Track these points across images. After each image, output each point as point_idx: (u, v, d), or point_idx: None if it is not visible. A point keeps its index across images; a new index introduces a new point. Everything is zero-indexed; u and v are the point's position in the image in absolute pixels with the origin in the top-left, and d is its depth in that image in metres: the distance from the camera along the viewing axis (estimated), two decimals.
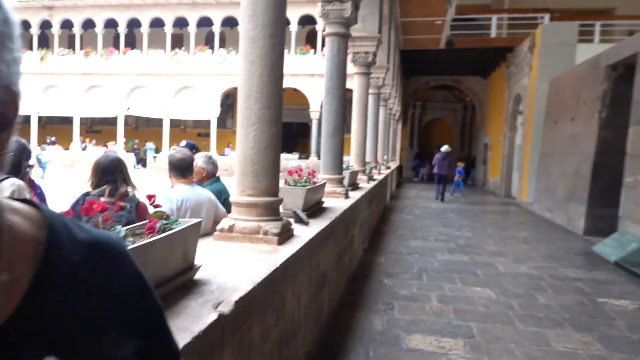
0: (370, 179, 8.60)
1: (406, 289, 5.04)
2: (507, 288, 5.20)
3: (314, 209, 3.99)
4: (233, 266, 2.14)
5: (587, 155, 9.18)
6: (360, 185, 7.23)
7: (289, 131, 26.98)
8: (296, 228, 3.09)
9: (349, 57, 6.37)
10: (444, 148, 14.90)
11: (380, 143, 14.64)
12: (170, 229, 1.69)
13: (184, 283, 1.76)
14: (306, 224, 3.38)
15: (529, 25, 15.04)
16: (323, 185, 4.51)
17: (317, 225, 3.42)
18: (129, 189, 2.64)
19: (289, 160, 21.71)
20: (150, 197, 1.81)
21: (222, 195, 3.49)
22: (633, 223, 7.03)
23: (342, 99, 5.40)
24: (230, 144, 22.98)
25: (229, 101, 23.76)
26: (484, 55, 18.05)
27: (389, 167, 14.70)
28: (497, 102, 19.27)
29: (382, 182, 10.49)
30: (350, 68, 6.58)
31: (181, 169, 2.88)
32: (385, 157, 14.34)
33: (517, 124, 16.13)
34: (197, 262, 1.88)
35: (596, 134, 8.87)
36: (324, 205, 4.43)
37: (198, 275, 1.88)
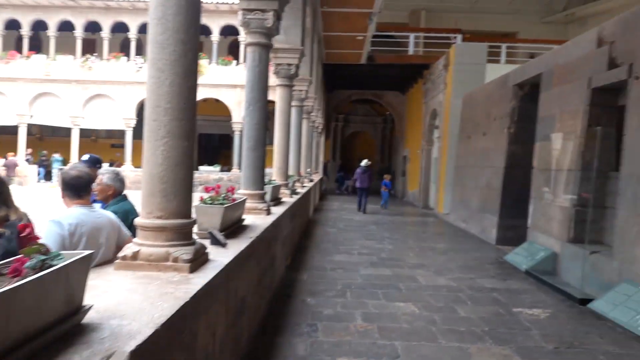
0: (293, 192, 8.44)
1: (330, 307, 4.90)
2: (429, 302, 5.24)
3: (233, 228, 3.74)
4: (134, 303, 1.85)
5: (497, 168, 9.70)
6: (283, 199, 7.04)
7: (211, 143, 26.26)
8: (212, 251, 2.83)
9: (271, 69, 6.21)
10: (364, 162, 15.39)
11: (303, 156, 14.62)
12: (49, 267, 1.40)
13: (67, 331, 1.46)
14: (223, 245, 3.12)
15: (443, 45, 15.84)
16: (243, 202, 4.26)
17: (236, 246, 3.18)
18: (10, 213, 2.24)
19: (210, 173, 21.10)
20: (23, 227, 1.49)
21: (130, 217, 3.12)
22: (540, 233, 7.45)
23: (264, 111, 5.20)
24: None
25: None
26: (402, 71, 18.72)
27: (312, 180, 14.67)
28: (415, 116, 20.03)
29: (305, 196, 10.38)
30: (273, 80, 6.41)
31: (76, 188, 2.52)
32: (309, 169, 14.29)
33: (434, 138, 16.82)
34: (86, 302, 1.59)
35: (506, 149, 9.39)
36: (245, 223, 4.19)
37: (87, 319, 1.58)
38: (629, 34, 5.85)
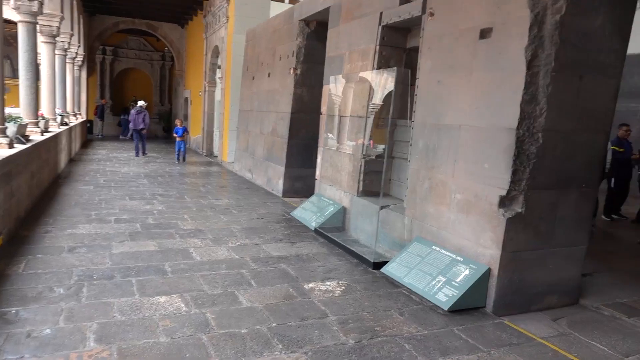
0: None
1: (48, 323, 3.20)
2: (203, 289, 3.97)
3: None
4: None
5: (284, 113, 8.81)
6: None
7: None
8: None
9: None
10: (140, 103, 14.44)
11: (58, 93, 11.62)
12: None
13: None
14: None
15: None
16: None
17: None
18: None
19: None
20: None
21: None
22: (328, 185, 6.84)
23: None
24: None
25: None
26: None
27: (65, 123, 11.74)
28: (196, 53, 18.02)
29: (49, 142, 7.88)
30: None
31: None
32: (60, 110, 11.30)
33: (217, 78, 15.26)
34: None
35: (292, 92, 8.50)
36: None
37: None
38: None
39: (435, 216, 4.60)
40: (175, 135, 13.58)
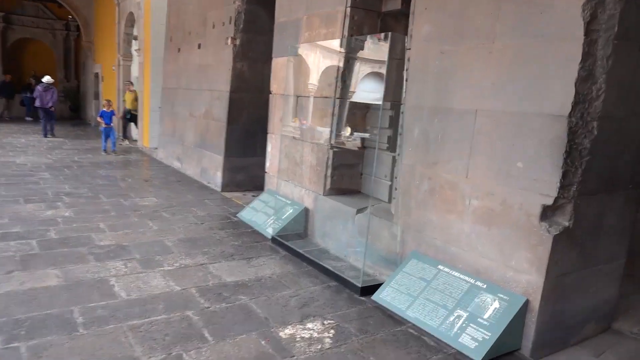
0: None
1: None
2: (135, 356, 2.67)
3: None
4: None
5: (220, 92, 7.41)
6: None
7: None
8: None
9: None
10: (46, 79, 13.22)
11: None
12: None
13: None
14: None
15: None
16: None
17: None
18: None
19: None
20: None
21: None
22: (284, 180, 5.63)
23: None
24: None
25: None
26: None
27: None
28: (106, 22, 15.73)
29: None
30: None
31: None
32: None
33: (133, 51, 13.28)
34: None
35: (231, 66, 7.11)
36: None
37: None
38: None
39: (440, 226, 3.59)
40: (100, 120, 11.03)
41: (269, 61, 6.31)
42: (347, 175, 4.99)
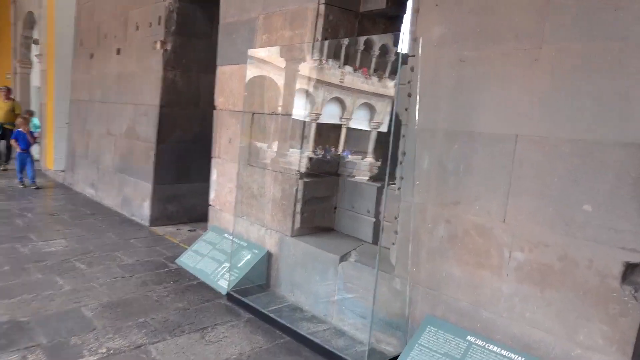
0: None
1: None
2: None
3: None
4: None
5: (147, 106, 6.17)
6: None
7: None
8: None
9: None
10: None
11: None
12: None
13: None
14: None
15: None
16: None
17: None
18: None
19: None
20: None
21: None
22: (237, 216, 4.57)
23: None
24: None
25: None
26: None
27: None
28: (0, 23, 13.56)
29: None
30: None
31: None
32: None
33: (33, 57, 11.41)
34: None
35: (160, 75, 5.92)
36: None
37: None
38: None
39: (466, 284, 2.77)
40: (14, 144, 8.30)
41: (207, 70, 5.28)
42: (319, 210, 4.06)
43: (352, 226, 4.02)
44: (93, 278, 4.11)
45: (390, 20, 4.17)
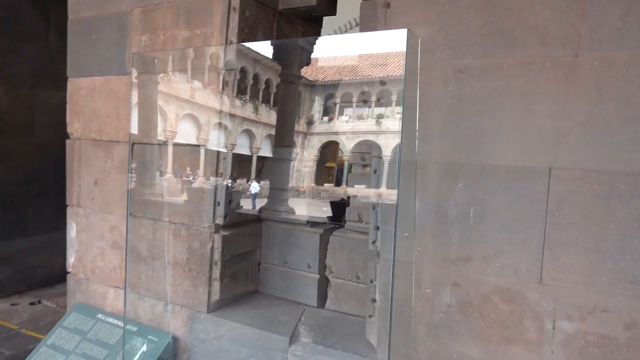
0: None
1: None
2: None
3: None
4: None
5: None
6: None
7: None
8: None
9: None
10: None
11: None
12: None
13: None
14: None
15: None
16: None
17: None
18: None
19: None
20: None
21: None
22: (115, 287, 3.25)
23: None
24: None
25: None
26: None
27: None
28: None
29: None
30: None
31: None
32: None
33: None
34: None
35: None
36: None
37: None
38: None
39: None
40: None
41: (44, 83, 3.89)
42: (242, 271, 3.04)
43: (285, 285, 3.09)
44: None
45: (310, 23, 3.38)
